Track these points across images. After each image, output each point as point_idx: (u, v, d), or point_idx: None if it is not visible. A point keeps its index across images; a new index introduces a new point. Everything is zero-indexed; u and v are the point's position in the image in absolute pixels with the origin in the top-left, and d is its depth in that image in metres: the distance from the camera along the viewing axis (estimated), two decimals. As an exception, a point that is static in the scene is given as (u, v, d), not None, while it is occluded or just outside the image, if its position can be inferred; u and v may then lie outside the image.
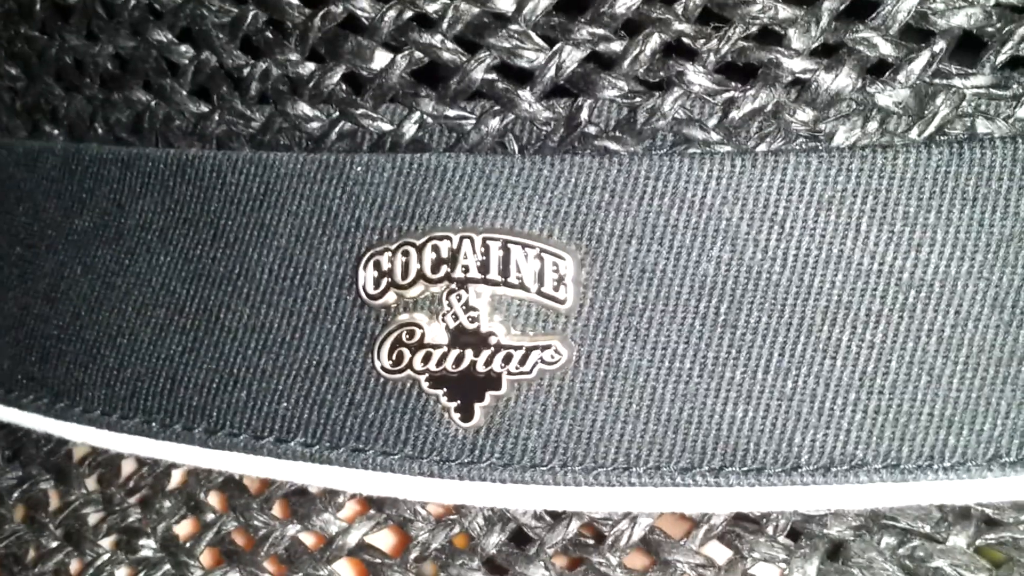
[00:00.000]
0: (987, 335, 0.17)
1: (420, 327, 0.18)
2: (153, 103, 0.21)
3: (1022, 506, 0.18)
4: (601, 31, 0.18)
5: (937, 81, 0.18)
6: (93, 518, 0.21)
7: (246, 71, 0.20)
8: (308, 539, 0.20)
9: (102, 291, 0.21)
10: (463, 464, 0.18)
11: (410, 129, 0.18)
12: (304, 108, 0.19)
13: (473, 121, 0.18)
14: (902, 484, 0.17)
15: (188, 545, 0.20)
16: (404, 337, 0.18)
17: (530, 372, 0.18)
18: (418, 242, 0.18)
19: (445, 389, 0.18)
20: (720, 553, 0.18)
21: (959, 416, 0.17)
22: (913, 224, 0.17)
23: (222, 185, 0.19)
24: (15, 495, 0.22)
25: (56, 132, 0.22)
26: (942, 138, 0.17)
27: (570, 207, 0.18)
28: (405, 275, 0.18)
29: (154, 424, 0.20)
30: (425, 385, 0.18)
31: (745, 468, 0.17)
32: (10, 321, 0.22)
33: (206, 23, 0.20)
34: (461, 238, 0.18)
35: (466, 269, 0.18)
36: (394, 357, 0.18)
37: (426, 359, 0.18)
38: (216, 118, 0.20)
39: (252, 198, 0.19)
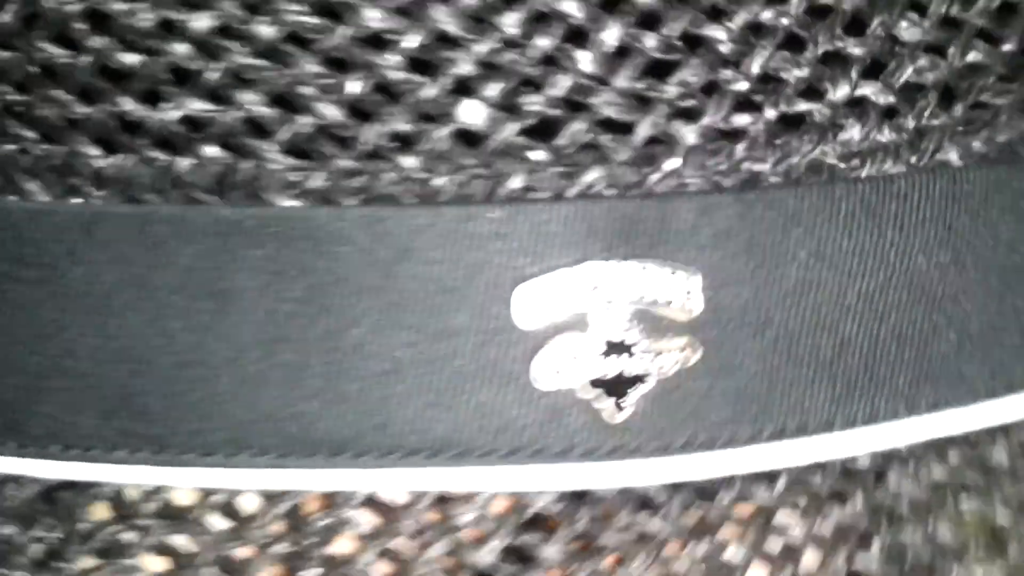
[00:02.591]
0: None
1: (575, 345, 0.22)
2: (241, 163, 0.22)
3: None
4: None
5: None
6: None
7: (351, 131, 0.22)
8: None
9: (213, 344, 0.22)
10: (614, 452, 0.22)
11: (515, 181, 0.23)
12: (413, 161, 0.22)
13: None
14: None
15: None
16: (561, 355, 0.22)
17: (668, 370, 0.22)
18: (571, 268, 0.22)
19: (601, 391, 0.22)
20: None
21: None
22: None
23: (334, 240, 0.22)
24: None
25: (99, 192, 0.23)
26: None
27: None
28: (559, 298, 0.22)
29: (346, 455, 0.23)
30: (580, 394, 0.22)
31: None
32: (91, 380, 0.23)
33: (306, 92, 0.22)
34: (608, 263, 0.22)
35: (613, 290, 0.22)
36: (551, 373, 0.22)
37: (581, 370, 0.22)
38: (320, 174, 0.22)
39: (386, 249, 0.22)
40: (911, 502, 0.24)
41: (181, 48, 0.22)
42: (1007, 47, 0.24)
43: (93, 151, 0.23)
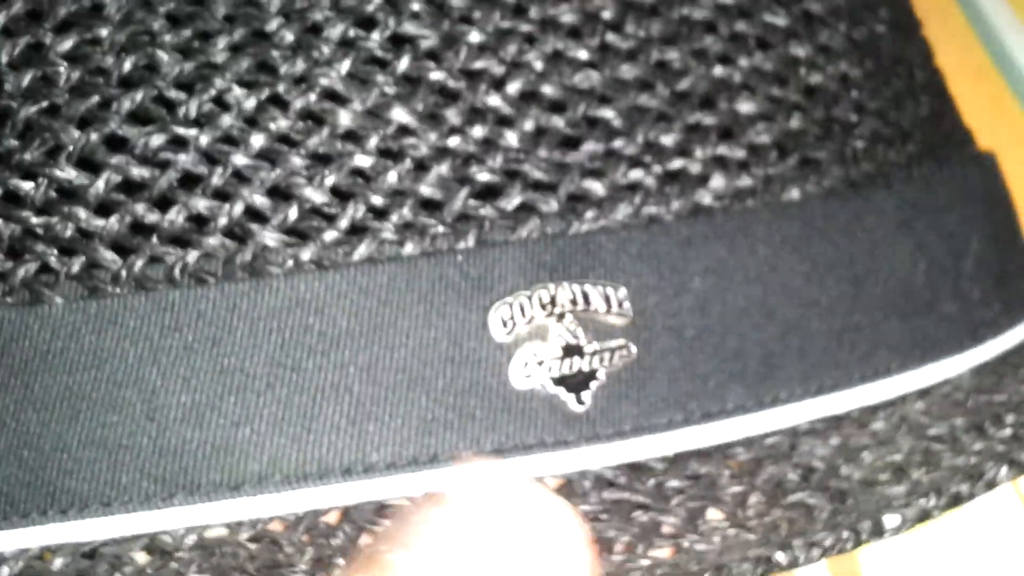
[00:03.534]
0: None
1: (542, 350, 0.28)
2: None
3: None
4: None
5: None
6: None
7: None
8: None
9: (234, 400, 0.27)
10: (582, 437, 0.27)
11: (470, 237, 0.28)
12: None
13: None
14: None
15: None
16: (529, 360, 0.27)
17: (613, 367, 0.28)
18: (528, 293, 0.28)
19: (563, 388, 0.28)
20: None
21: None
22: None
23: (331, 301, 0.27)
24: None
25: (115, 290, 0.27)
26: None
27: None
28: (523, 316, 0.28)
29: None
30: (549, 390, 0.27)
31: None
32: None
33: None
34: (556, 286, 0.28)
35: (563, 306, 0.28)
36: (523, 375, 0.27)
37: (547, 370, 0.27)
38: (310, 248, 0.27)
39: (367, 308, 0.27)
40: (822, 458, 0.29)
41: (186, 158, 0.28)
42: (817, 115, 0.32)
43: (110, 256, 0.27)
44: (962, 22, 0.69)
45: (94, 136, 0.27)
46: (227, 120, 0.27)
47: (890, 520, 0.27)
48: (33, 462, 0.26)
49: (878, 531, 0.26)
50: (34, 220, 0.27)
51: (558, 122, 0.29)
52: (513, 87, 0.29)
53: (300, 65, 0.28)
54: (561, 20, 0.29)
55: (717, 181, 0.30)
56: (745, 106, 0.31)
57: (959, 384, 0.32)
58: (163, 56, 0.28)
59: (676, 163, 0.30)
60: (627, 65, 0.30)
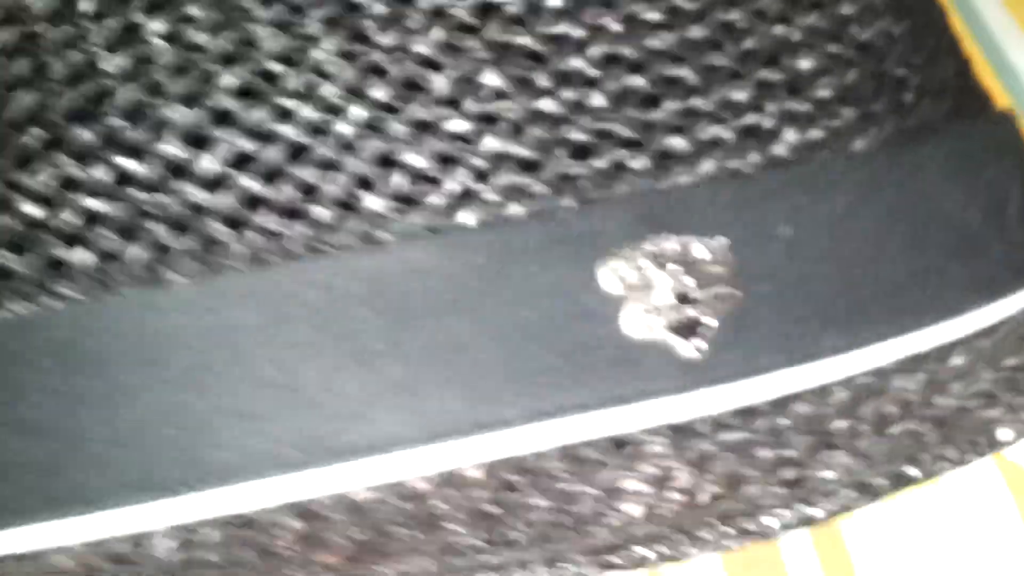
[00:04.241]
0: None
1: (653, 299, 0.28)
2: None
3: None
4: None
5: None
6: None
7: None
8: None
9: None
10: (697, 382, 0.28)
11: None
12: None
13: None
14: None
15: None
16: (642, 310, 0.28)
17: (722, 312, 0.28)
18: (634, 245, 0.28)
19: (676, 335, 0.28)
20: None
21: None
22: None
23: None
24: None
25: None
26: None
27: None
28: (631, 268, 0.28)
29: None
30: (663, 338, 0.28)
31: None
32: None
33: None
34: (661, 238, 0.28)
35: (669, 256, 0.28)
36: (637, 325, 0.28)
37: (660, 319, 0.28)
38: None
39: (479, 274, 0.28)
40: (914, 392, 0.30)
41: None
42: (870, 69, 0.33)
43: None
44: (960, 26, 0.71)
45: (199, 112, 0.27)
46: (328, 90, 0.28)
47: (1002, 433, 0.28)
48: (177, 438, 0.26)
49: (993, 443, 0.27)
50: (145, 199, 0.27)
51: (639, 82, 0.30)
52: (595, 50, 0.29)
53: (394, 35, 0.28)
54: None
55: (789, 134, 0.31)
56: (806, 62, 0.32)
57: (1020, 320, 0.33)
58: (259, 31, 0.28)
59: (750, 118, 0.31)
60: (696, 26, 0.31)
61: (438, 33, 0.28)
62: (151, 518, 0.27)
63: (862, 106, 0.33)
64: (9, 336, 0.27)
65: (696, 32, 0.31)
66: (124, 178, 0.27)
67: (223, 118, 0.28)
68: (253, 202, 0.27)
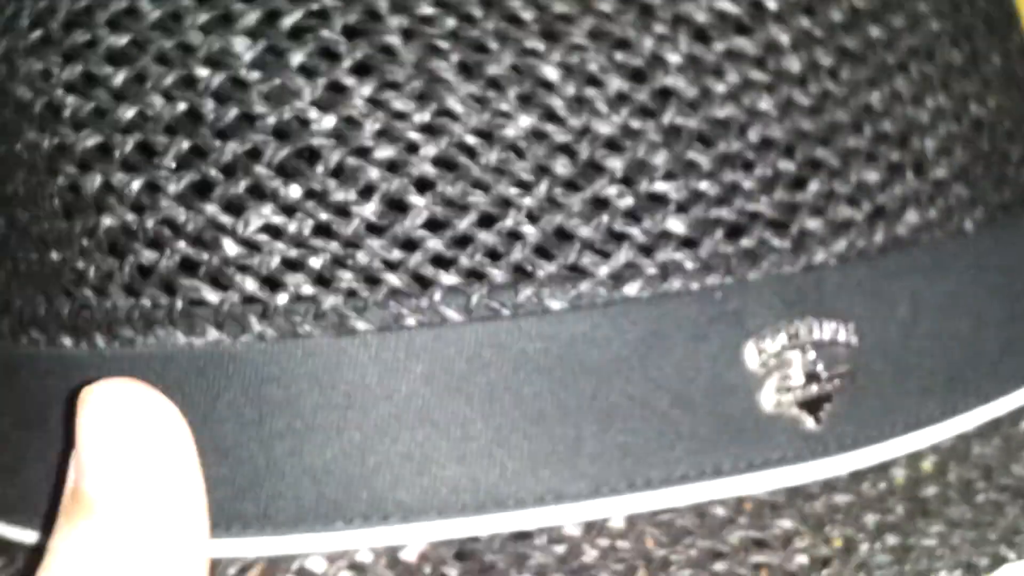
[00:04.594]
0: None
1: (787, 377, 0.31)
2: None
3: None
4: None
5: None
6: None
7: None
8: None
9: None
10: (816, 452, 0.32)
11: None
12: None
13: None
14: None
15: None
16: (777, 387, 0.31)
17: (842, 389, 0.32)
18: (777, 326, 0.31)
19: (803, 411, 0.32)
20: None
21: None
22: None
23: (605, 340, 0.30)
24: None
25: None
26: None
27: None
28: (772, 348, 0.31)
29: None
30: (793, 413, 0.31)
31: None
32: None
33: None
34: (799, 321, 0.32)
35: (804, 338, 0.32)
36: (772, 401, 0.31)
37: (792, 396, 0.31)
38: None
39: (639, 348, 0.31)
40: (992, 457, 0.34)
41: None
42: (981, 147, 0.36)
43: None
44: None
45: (401, 179, 0.30)
46: (520, 166, 0.30)
47: None
48: (362, 476, 0.30)
49: None
50: (343, 252, 0.30)
51: (788, 165, 0.32)
52: (754, 133, 0.32)
53: (583, 116, 0.30)
54: (791, 70, 0.32)
55: (911, 215, 0.34)
56: (930, 143, 0.35)
57: None
58: (458, 105, 0.30)
59: (880, 199, 0.33)
60: (841, 109, 0.33)
61: (620, 117, 0.31)
62: (331, 545, 0.30)
63: (972, 184, 0.35)
64: (208, 362, 0.30)
65: (841, 115, 0.33)
66: (324, 231, 0.30)
67: (422, 186, 0.30)
68: (442, 262, 0.30)
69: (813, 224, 0.32)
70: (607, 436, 0.30)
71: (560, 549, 0.30)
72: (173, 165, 0.30)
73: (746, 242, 0.32)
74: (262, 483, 0.30)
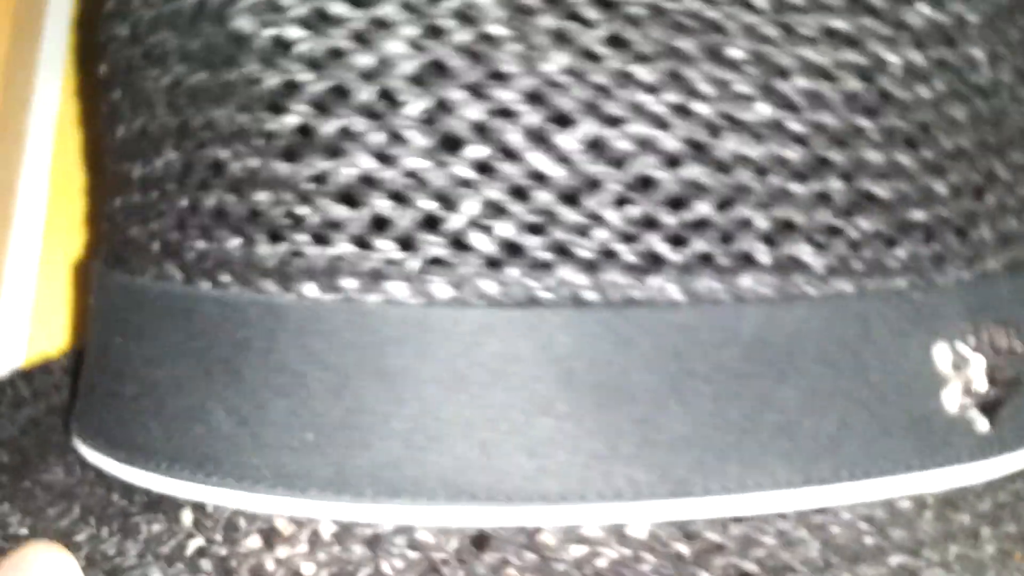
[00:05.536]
0: None
1: (970, 380, 0.33)
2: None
3: None
4: None
5: None
6: None
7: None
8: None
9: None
10: (987, 453, 0.33)
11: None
12: None
13: None
14: None
15: None
16: (961, 389, 0.33)
17: (1013, 391, 0.33)
18: (963, 329, 0.33)
19: (981, 413, 0.33)
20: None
21: None
22: None
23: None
24: None
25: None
26: None
27: None
28: (958, 350, 0.32)
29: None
30: (972, 415, 0.33)
31: None
32: None
33: None
34: (982, 325, 0.33)
35: (986, 342, 0.33)
36: (955, 402, 0.32)
37: (973, 398, 0.33)
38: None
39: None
40: None
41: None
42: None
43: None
44: None
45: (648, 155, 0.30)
46: (757, 153, 0.30)
47: None
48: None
49: None
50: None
51: (976, 175, 0.33)
52: (949, 141, 0.33)
53: (812, 112, 0.31)
54: (981, 84, 0.34)
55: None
56: None
57: None
58: (704, 87, 0.30)
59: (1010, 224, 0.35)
60: (1014, 125, 0.35)
61: (847, 114, 0.31)
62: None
63: None
64: (439, 323, 0.29)
65: (1013, 131, 0.34)
66: (570, 199, 0.30)
67: (670, 162, 0.30)
68: (678, 241, 0.30)
69: (987, 234, 0.34)
70: (820, 427, 0.31)
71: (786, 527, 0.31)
72: (417, 117, 0.29)
73: (936, 246, 0.33)
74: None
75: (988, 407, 0.33)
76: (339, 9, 0.30)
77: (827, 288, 0.31)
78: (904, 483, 0.32)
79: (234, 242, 0.31)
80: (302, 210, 0.30)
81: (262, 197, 0.30)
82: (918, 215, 0.32)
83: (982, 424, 0.33)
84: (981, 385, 0.33)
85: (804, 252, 0.31)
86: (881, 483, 0.32)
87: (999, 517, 0.33)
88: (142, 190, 0.33)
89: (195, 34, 0.31)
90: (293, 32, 0.30)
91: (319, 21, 0.30)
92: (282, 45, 0.30)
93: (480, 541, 0.29)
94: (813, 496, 0.31)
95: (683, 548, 0.30)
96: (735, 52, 0.30)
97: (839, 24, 0.31)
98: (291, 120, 0.29)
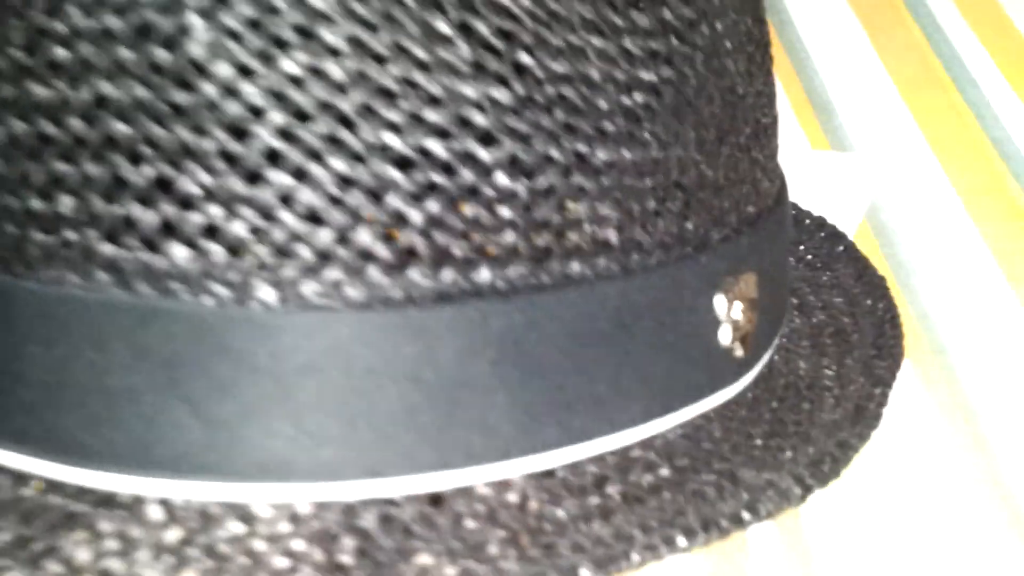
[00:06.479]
0: None
1: (731, 319, 0.42)
2: None
3: None
4: None
5: None
6: None
7: None
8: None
9: None
10: (741, 372, 0.43)
11: None
12: None
13: None
14: None
15: None
16: (729, 326, 0.41)
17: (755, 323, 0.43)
18: (730, 280, 0.41)
19: (739, 343, 0.42)
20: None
21: None
22: None
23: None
24: None
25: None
26: None
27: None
28: (727, 297, 0.41)
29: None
30: (733, 344, 0.42)
31: None
32: None
33: None
34: (739, 275, 0.42)
35: (741, 289, 0.42)
36: (726, 337, 0.41)
37: (735, 332, 0.42)
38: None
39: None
40: None
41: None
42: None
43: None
44: (918, 33, 0.76)
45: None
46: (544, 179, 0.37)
47: None
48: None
49: None
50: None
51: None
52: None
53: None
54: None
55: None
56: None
57: None
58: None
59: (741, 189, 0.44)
60: None
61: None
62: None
63: None
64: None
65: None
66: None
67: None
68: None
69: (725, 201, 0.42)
70: (616, 385, 0.38)
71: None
72: None
73: (704, 215, 0.41)
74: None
75: (743, 338, 0.43)
76: None
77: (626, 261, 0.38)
78: (704, 404, 0.41)
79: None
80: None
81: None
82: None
83: (739, 351, 0.43)
84: (740, 322, 0.42)
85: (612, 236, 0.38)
86: (687, 411, 0.41)
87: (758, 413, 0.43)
88: None
89: None
90: None
91: None
92: None
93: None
94: (652, 427, 0.39)
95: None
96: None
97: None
98: None
